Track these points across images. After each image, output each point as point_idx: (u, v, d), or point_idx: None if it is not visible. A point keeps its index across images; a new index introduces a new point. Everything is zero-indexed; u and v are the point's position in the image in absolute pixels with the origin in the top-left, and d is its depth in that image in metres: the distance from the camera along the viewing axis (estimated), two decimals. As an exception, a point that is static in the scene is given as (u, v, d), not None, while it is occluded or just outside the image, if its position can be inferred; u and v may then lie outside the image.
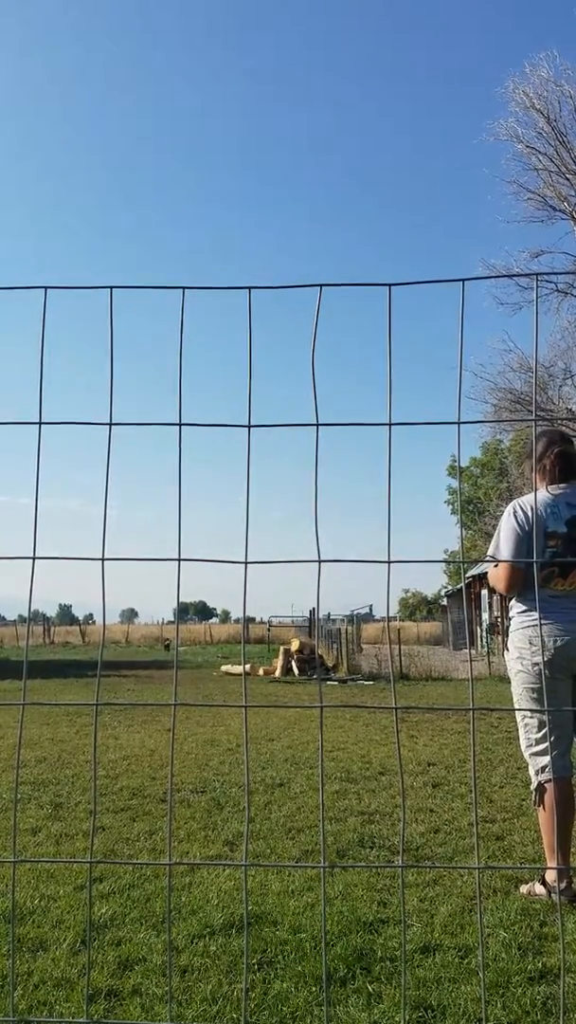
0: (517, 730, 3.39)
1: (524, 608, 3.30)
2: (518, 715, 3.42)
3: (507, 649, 3.43)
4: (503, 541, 3.30)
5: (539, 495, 3.33)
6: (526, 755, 3.31)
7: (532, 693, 3.23)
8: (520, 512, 3.30)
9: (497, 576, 3.40)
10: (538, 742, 3.22)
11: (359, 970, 2.47)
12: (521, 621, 3.31)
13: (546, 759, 3.18)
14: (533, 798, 3.29)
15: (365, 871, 3.40)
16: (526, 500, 3.36)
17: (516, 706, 3.37)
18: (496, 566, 3.42)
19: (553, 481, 3.34)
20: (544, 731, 3.21)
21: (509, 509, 3.36)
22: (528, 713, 3.28)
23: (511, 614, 3.40)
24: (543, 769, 3.19)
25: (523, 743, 3.32)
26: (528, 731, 3.28)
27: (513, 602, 3.38)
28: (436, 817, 4.38)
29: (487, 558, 3.53)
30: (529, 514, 3.28)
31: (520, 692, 3.30)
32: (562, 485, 3.33)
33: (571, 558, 3.21)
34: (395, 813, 4.44)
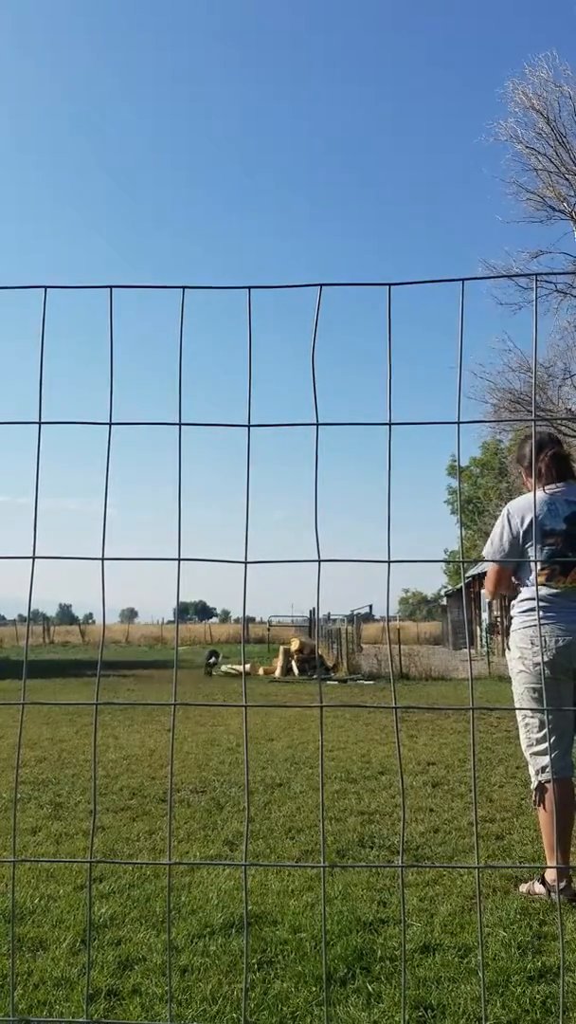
0: (517, 729, 3.40)
1: (525, 608, 3.30)
2: (519, 715, 3.42)
3: (508, 649, 3.43)
4: (495, 533, 3.36)
5: (537, 495, 3.35)
6: (526, 755, 3.31)
7: (533, 693, 3.23)
8: (516, 511, 3.32)
9: (487, 577, 3.49)
10: (538, 742, 3.22)
11: (359, 970, 2.47)
12: (522, 621, 3.31)
13: (546, 759, 3.18)
14: (533, 798, 3.29)
15: (365, 871, 3.40)
16: (521, 501, 3.38)
17: (517, 706, 3.37)
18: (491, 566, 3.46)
19: (549, 482, 3.36)
20: (545, 731, 3.21)
21: (504, 511, 3.38)
22: (529, 713, 3.28)
23: (512, 613, 3.40)
24: (543, 769, 3.19)
25: (523, 743, 3.32)
26: (529, 731, 3.28)
27: (515, 601, 3.39)
28: (436, 816, 4.38)
29: (484, 559, 3.57)
30: (524, 515, 3.30)
31: (521, 692, 3.30)
32: (559, 484, 3.35)
33: (571, 555, 3.22)
34: (395, 813, 4.44)
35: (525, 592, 3.33)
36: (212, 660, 18.35)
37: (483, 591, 27.12)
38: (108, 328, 1.57)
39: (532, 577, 3.29)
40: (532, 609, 3.27)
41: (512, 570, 3.42)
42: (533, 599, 3.26)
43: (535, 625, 3.23)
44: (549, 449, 3.41)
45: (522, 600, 3.34)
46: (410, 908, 3.01)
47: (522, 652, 3.27)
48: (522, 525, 3.28)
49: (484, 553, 3.45)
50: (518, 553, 3.29)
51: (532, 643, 3.23)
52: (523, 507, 3.32)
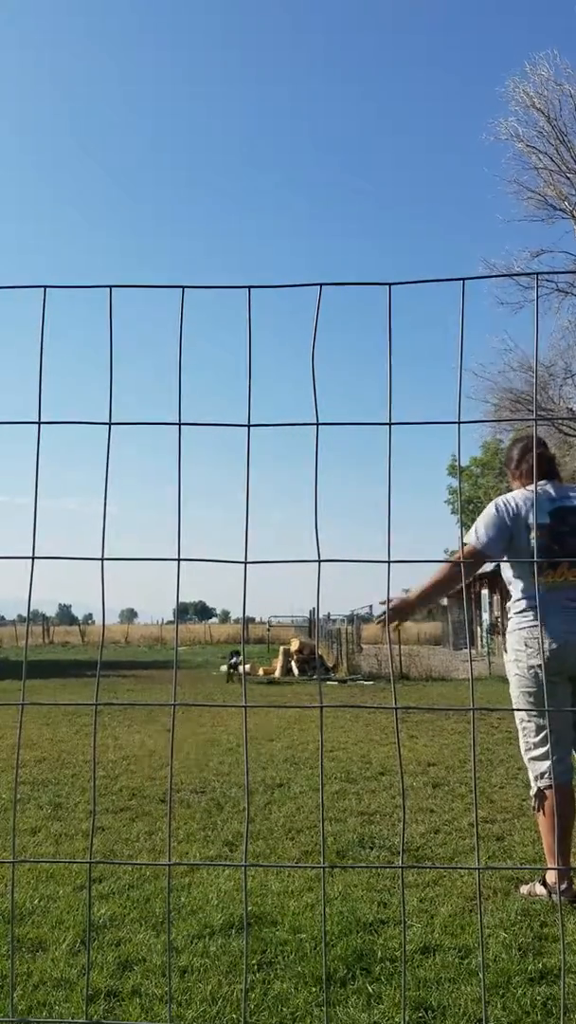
0: (517, 732, 3.38)
1: (520, 608, 3.28)
2: (516, 719, 3.39)
3: (505, 651, 3.41)
4: (479, 522, 3.30)
5: (520, 492, 3.36)
6: (525, 760, 3.28)
7: (529, 697, 3.20)
8: (503, 504, 3.31)
9: (464, 552, 3.37)
10: (536, 746, 3.19)
11: (359, 971, 2.47)
12: (517, 622, 3.28)
13: (545, 764, 3.15)
14: (533, 804, 3.27)
15: (365, 871, 3.39)
16: (509, 496, 3.37)
17: (547, 710, 3.34)
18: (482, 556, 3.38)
19: (533, 481, 3.35)
20: (542, 735, 3.18)
21: (492, 502, 3.36)
22: (526, 717, 3.25)
23: (509, 614, 3.38)
24: (542, 775, 3.16)
25: (522, 747, 3.29)
26: (526, 735, 3.25)
27: (511, 602, 3.37)
28: (436, 817, 4.37)
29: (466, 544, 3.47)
30: (512, 506, 3.27)
31: (517, 696, 3.26)
32: (541, 483, 3.35)
33: (557, 548, 3.20)
34: (395, 813, 4.43)
35: (518, 592, 3.31)
36: (234, 660, 16.57)
37: (484, 592, 27.12)
38: (108, 328, 1.56)
39: (526, 576, 3.26)
40: (526, 610, 3.24)
41: (482, 558, 3.34)
42: (527, 599, 3.24)
43: (530, 627, 3.20)
44: (535, 450, 3.41)
45: (516, 600, 3.31)
46: (410, 909, 3.00)
47: (517, 655, 3.23)
48: (511, 519, 3.26)
49: (466, 539, 3.38)
50: (505, 544, 3.25)
51: (527, 645, 3.20)
52: (513, 502, 3.30)
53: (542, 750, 3.17)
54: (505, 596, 3.46)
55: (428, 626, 45.24)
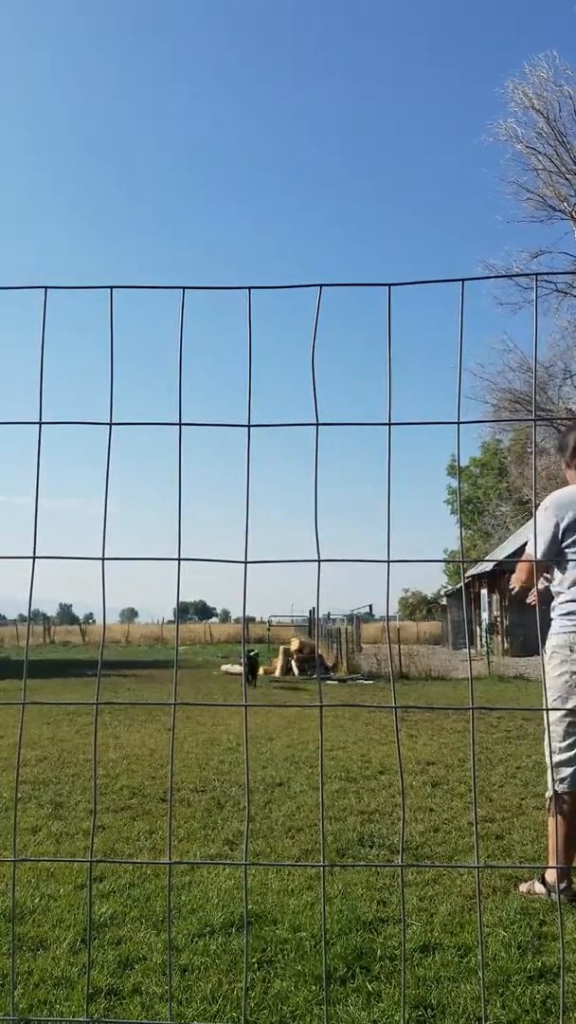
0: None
1: (565, 611, 3.19)
2: (545, 719, 3.34)
3: (544, 650, 3.35)
4: (538, 535, 3.22)
5: (573, 489, 3.26)
6: (547, 760, 3.24)
7: (563, 703, 3.14)
8: (553, 507, 3.22)
9: (518, 570, 3.40)
10: (562, 751, 3.15)
11: (359, 969, 2.48)
12: (563, 625, 3.19)
13: (568, 771, 3.12)
14: (548, 806, 3.25)
15: (365, 870, 3.40)
16: (561, 495, 3.26)
17: (546, 710, 3.30)
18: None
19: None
20: (569, 741, 3.14)
21: (544, 504, 3.28)
22: (555, 720, 3.19)
23: (552, 615, 3.28)
24: (563, 780, 3.14)
25: (546, 749, 3.24)
26: (554, 739, 3.19)
27: (554, 604, 3.28)
28: (436, 816, 4.38)
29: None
30: (565, 511, 3.19)
31: (552, 700, 3.20)
32: None
33: None
34: (395, 812, 4.44)
35: (565, 595, 3.21)
36: (253, 653, 15.54)
37: (483, 591, 27.11)
38: (108, 328, 1.57)
39: (571, 577, 3.19)
40: (571, 613, 3.16)
41: (543, 569, 3.30)
42: (573, 601, 3.16)
43: (574, 632, 3.12)
44: None
45: (563, 603, 3.22)
46: (410, 907, 3.01)
47: (561, 658, 3.16)
48: (563, 521, 3.17)
49: (528, 550, 3.31)
50: (556, 550, 3.18)
51: (572, 650, 3.12)
52: (564, 502, 3.21)
53: (568, 755, 3.13)
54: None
55: (428, 626, 45.26)
